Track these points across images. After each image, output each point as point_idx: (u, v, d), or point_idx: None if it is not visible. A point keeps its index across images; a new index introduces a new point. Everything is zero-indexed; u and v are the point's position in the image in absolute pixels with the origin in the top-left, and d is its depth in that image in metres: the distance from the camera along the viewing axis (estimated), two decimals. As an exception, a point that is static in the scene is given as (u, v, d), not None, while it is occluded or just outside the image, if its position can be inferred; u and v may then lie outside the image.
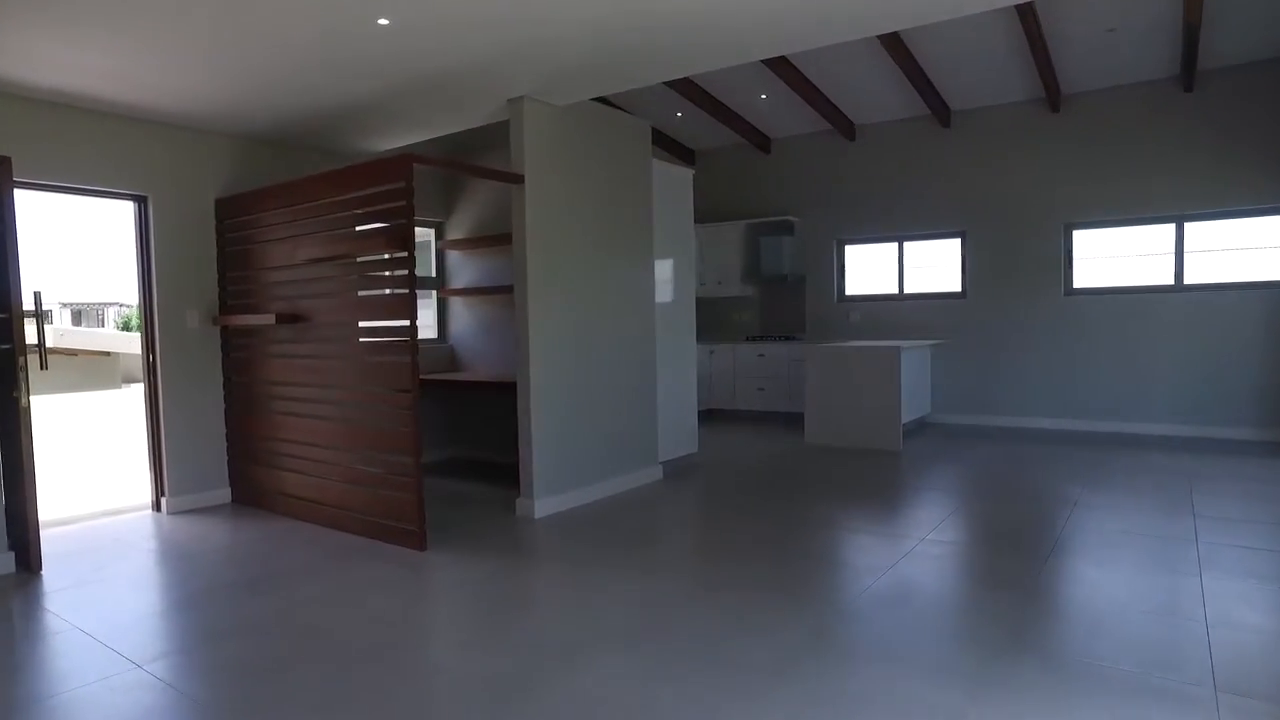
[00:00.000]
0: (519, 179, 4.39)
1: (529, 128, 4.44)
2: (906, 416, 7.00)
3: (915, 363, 7.39)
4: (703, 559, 3.84)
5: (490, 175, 4.33)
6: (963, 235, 7.98)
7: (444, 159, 4.09)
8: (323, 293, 4.28)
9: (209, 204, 4.95)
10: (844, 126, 8.38)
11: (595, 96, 4.54)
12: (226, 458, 5.06)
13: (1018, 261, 7.64)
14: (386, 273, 3.95)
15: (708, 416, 8.88)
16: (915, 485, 5.25)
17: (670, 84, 7.54)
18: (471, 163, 4.44)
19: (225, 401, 5.03)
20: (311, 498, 4.48)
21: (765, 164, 9.20)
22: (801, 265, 8.93)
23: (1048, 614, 3.01)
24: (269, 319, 4.42)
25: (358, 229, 4.03)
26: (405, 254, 3.80)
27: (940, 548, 3.84)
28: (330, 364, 4.28)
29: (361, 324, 4.09)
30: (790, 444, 6.95)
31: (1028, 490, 5.02)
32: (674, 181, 5.80)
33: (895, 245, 8.41)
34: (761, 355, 8.61)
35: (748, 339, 9.01)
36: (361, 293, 4.07)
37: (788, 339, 8.80)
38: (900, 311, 8.32)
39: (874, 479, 5.44)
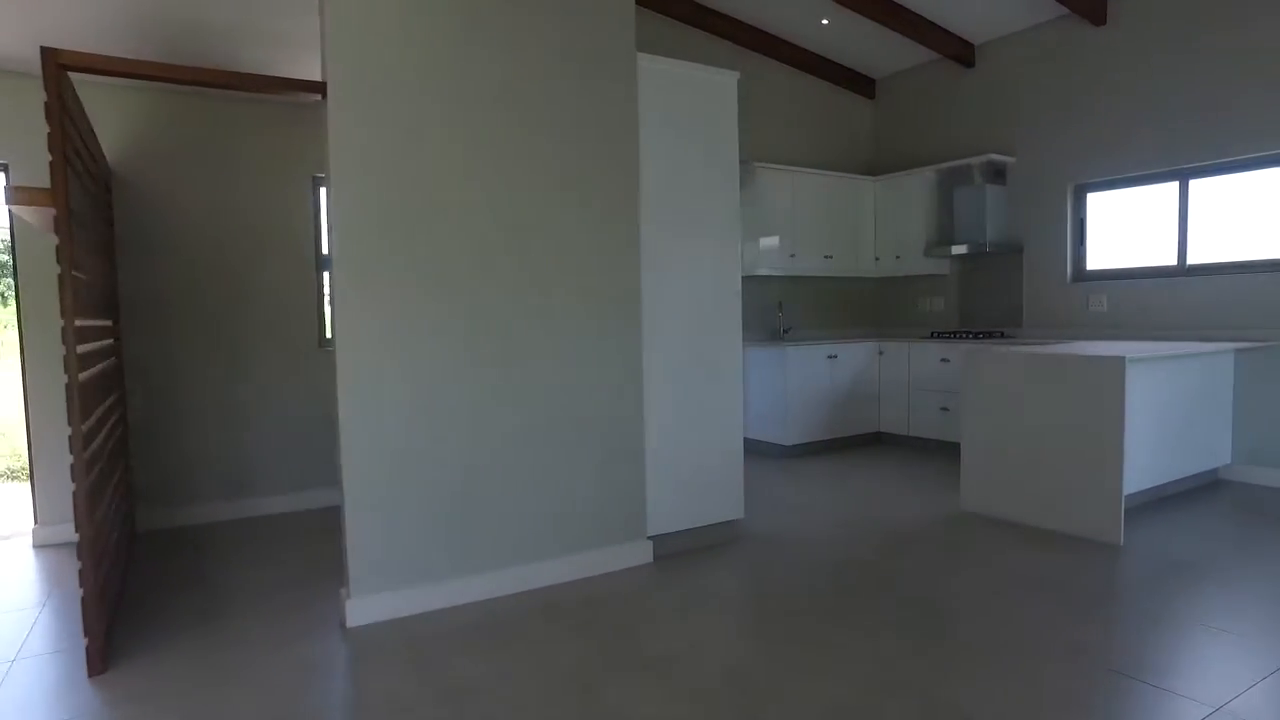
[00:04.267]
0: (317, 88, 2.75)
1: (339, 5, 2.76)
2: (1148, 479, 4.08)
3: (1184, 381, 4.30)
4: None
5: (251, 86, 2.71)
6: (1305, 159, 4.56)
7: (126, 61, 2.54)
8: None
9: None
10: (1085, 6, 5.33)
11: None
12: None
13: None
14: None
15: (870, 442, 6.40)
16: (1121, 650, 2.61)
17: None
18: (193, 65, 2.80)
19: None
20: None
21: (967, 83, 6.36)
22: (1017, 227, 6.00)
23: None
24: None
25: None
26: (56, 212, 2.38)
27: None
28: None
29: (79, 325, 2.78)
30: (935, 508, 4.38)
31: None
32: (695, 94, 3.68)
33: (1175, 185, 5.16)
34: (945, 360, 5.90)
35: (934, 335, 6.31)
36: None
37: (992, 336, 5.97)
38: (1180, 294, 5.09)
39: (1043, 611, 2.86)
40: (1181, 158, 5.03)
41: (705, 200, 3.68)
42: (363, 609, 2.86)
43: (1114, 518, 3.60)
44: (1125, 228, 5.43)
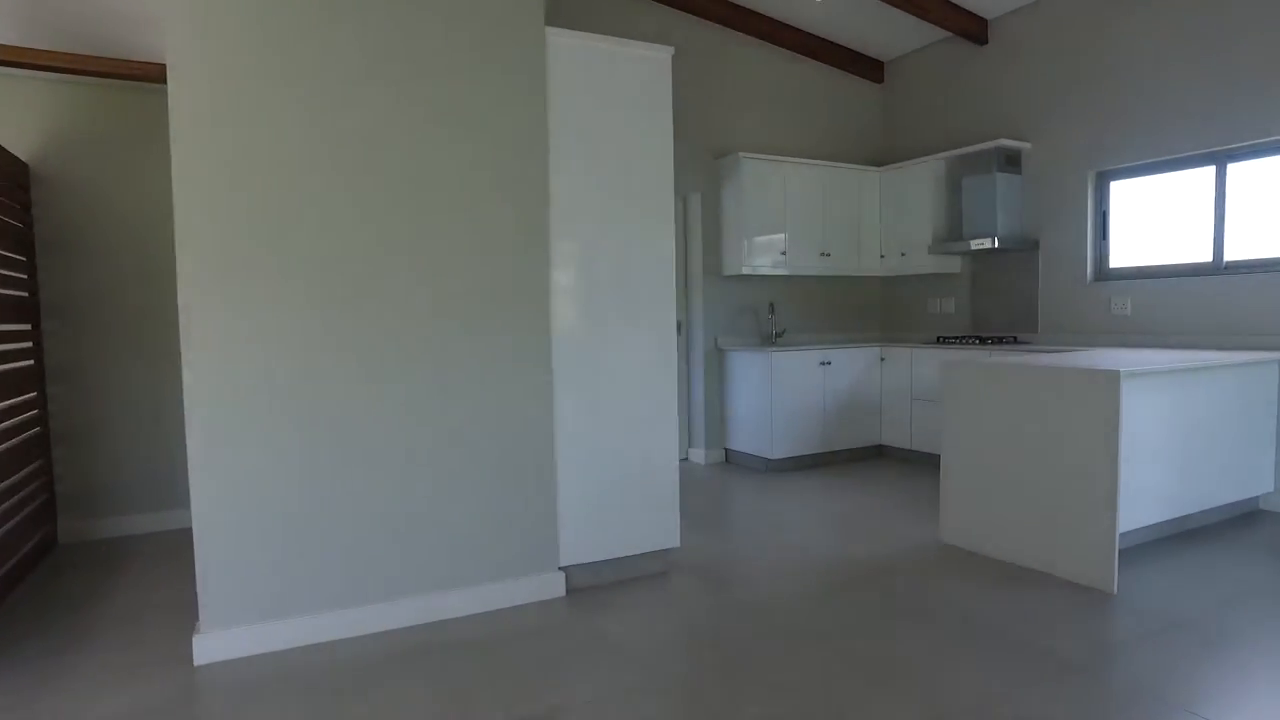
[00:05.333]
0: (153, 76, 2.46)
1: (176, -28, 2.46)
2: (1159, 512, 3.51)
3: (1213, 396, 3.70)
4: None
5: (97, 70, 2.43)
6: (1362, 137, 3.89)
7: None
8: None
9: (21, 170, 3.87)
10: (1107, -33, 4.73)
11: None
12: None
13: None
14: None
15: (869, 456, 5.89)
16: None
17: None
18: None
19: (35, 419, 3.94)
20: None
21: (978, 62, 5.79)
22: (1032, 220, 5.41)
23: None
24: None
25: None
26: None
27: None
28: None
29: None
30: (913, 538, 3.87)
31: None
32: (621, 74, 3.27)
33: (1211, 170, 4.52)
34: (949, 368, 5.34)
35: (940, 340, 5.75)
36: None
37: (1003, 341, 5.39)
38: (1215, 295, 4.45)
39: (994, 678, 2.37)
40: (1218, 139, 4.40)
41: (633, 187, 3.26)
42: (212, 645, 2.55)
43: (1105, 560, 3.06)
44: (1153, 220, 4.80)
